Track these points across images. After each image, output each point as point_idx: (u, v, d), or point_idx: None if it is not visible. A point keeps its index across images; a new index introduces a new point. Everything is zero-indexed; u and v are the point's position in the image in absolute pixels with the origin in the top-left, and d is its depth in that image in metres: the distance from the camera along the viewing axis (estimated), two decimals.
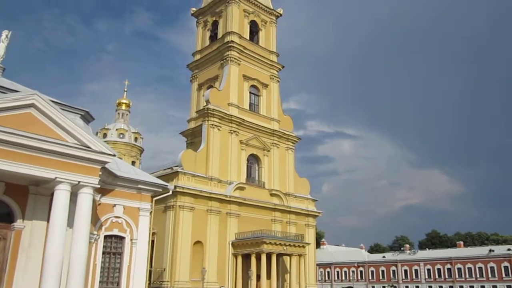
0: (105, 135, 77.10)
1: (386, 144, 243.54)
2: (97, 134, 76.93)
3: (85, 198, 19.40)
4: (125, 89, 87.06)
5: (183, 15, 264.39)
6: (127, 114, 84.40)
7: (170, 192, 27.38)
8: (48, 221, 19.09)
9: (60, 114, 18.63)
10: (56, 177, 18.30)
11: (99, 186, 20.15)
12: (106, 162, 20.04)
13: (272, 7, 62.56)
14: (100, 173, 20.41)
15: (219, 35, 58.14)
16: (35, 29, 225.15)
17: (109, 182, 22.99)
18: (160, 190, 25.79)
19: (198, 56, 60.60)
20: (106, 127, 78.92)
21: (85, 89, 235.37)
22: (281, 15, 63.28)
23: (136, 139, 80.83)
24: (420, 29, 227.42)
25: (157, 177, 33.89)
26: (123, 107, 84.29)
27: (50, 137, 18.18)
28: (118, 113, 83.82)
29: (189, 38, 66.46)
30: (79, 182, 18.98)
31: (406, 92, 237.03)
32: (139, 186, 24.38)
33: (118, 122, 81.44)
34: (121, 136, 78.32)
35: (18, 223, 19.42)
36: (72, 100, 23.42)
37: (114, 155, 20.29)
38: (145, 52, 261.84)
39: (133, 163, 72.81)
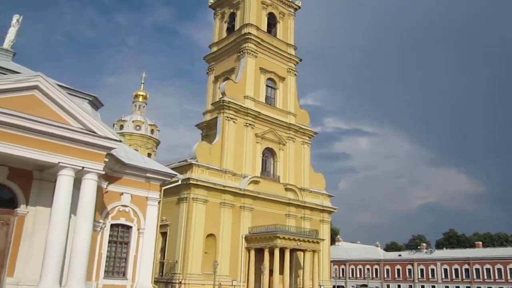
0: (121, 127, 77.22)
1: (404, 142, 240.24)
2: (113, 125, 77.13)
3: (89, 185, 18.87)
4: (142, 81, 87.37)
5: (202, 9, 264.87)
6: (143, 106, 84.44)
7: (179, 182, 26.84)
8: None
9: (65, 97, 18.11)
10: (59, 162, 17.80)
11: (103, 172, 19.59)
12: (111, 148, 19.47)
13: None
14: (106, 159, 19.88)
15: (236, 27, 57.40)
16: (56, 21, 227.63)
17: (116, 170, 22.47)
18: (169, 179, 25.21)
19: (215, 48, 59.98)
20: (122, 119, 79.05)
21: (104, 82, 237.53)
22: (299, 7, 62.22)
23: (152, 131, 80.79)
24: (439, 20, 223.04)
25: (172, 168, 33.48)
26: (140, 99, 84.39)
27: (54, 121, 17.68)
28: (135, 105, 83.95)
29: (208, 32, 66.18)
30: (83, 167, 18.46)
31: (424, 88, 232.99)
32: (148, 174, 23.81)
33: (135, 114, 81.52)
34: (138, 128, 78.35)
35: (22, 209, 19.01)
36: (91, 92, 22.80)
37: (120, 141, 19.72)
38: (164, 46, 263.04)
39: (149, 155, 72.71)
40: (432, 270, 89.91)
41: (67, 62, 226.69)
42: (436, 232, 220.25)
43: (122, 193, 23.05)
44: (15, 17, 25.15)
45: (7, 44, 24.38)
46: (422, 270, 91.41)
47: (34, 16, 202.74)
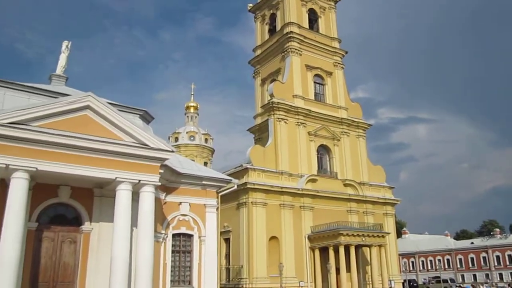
0: (176, 139, 79.00)
1: (463, 126, 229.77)
2: (169, 138, 79.06)
3: (147, 197, 19.24)
4: (192, 93, 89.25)
5: (242, 15, 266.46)
6: (196, 117, 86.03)
7: (235, 186, 26.81)
8: None
9: (116, 113, 18.59)
10: (116, 177, 18.28)
11: (159, 183, 19.93)
12: (165, 159, 19.78)
13: None
14: (161, 171, 20.24)
15: (278, 28, 57.17)
16: (108, 46, 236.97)
17: (172, 180, 22.84)
18: (225, 185, 25.32)
19: (258, 51, 60.02)
20: (177, 131, 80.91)
21: (156, 98, 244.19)
22: None
23: (206, 140, 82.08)
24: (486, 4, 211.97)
25: (228, 175, 33.66)
26: (191, 110, 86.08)
27: (107, 137, 18.18)
28: (187, 117, 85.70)
29: (251, 37, 66.50)
30: (139, 181, 18.85)
31: (480, 68, 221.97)
32: (203, 182, 24.04)
33: (188, 125, 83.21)
34: (192, 138, 79.85)
35: (86, 226, 19.70)
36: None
37: (172, 151, 20.00)
38: (209, 55, 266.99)
39: (205, 164, 73.90)
40: (510, 256, 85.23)
41: (120, 83, 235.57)
42: (508, 216, 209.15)
43: (180, 203, 23.40)
44: (64, 44, 26.29)
45: (59, 70, 25.54)
46: (498, 257, 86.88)
47: (85, 43, 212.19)
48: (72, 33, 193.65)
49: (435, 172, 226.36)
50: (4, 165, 16.15)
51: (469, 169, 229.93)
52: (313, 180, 49.02)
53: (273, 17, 59.27)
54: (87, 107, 18.10)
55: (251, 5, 63.16)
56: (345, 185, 51.78)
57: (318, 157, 51.86)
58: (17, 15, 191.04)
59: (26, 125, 16.60)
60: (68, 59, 25.99)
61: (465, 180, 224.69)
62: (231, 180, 25.59)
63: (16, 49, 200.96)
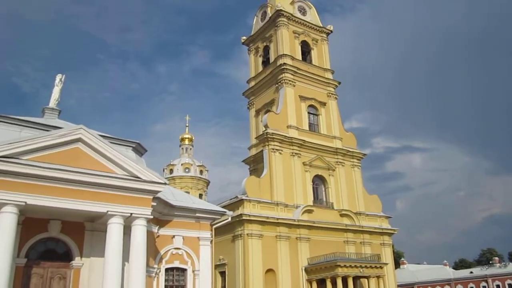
0: (171, 171, 78.67)
1: (458, 154, 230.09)
2: (163, 170, 78.70)
3: (139, 230, 18.90)
4: (187, 124, 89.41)
5: (236, 48, 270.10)
6: (190, 149, 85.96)
7: (229, 218, 26.46)
8: None
9: (107, 146, 18.44)
10: (107, 211, 17.99)
11: (152, 216, 19.63)
12: (157, 192, 19.53)
13: (321, 25, 61.64)
14: (154, 203, 19.97)
15: (271, 59, 57.81)
16: (102, 79, 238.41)
17: (165, 213, 22.52)
18: (219, 217, 24.99)
19: (252, 83, 60.50)
20: (171, 163, 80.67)
21: (151, 130, 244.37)
22: (331, 31, 62.12)
23: (201, 172, 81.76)
24: (489, 33, 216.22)
25: (223, 207, 33.33)
26: (186, 141, 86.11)
27: (99, 170, 17.97)
28: (182, 148, 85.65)
29: (245, 69, 67.16)
30: (131, 214, 18.55)
31: (474, 97, 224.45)
32: (197, 214, 23.73)
33: (183, 157, 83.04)
34: (187, 170, 79.55)
35: (77, 261, 19.24)
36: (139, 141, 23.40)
37: (165, 184, 19.76)
38: (204, 88, 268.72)
39: (200, 196, 73.40)
40: (510, 285, 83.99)
41: (114, 115, 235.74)
42: (506, 244, 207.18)
43: (173, 236, 23.02)
44: (58, 77, 26.38)
45: (52, 102, 25.50)
46: (498, 286, 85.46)
47: (79, 76, 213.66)
48: (66, 66, 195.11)
49: (431, 201, 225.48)
50: None
51: (466, 197, 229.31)
52: (309, 211, 48.58)
53: (266, 49, 60.02)
54: (79, 140, 17.96)
55: (244, 37, 64.03)
56: (342, 215, 51.34)
57: (313, 187, 51.57)
58: (13, 50, 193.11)
59: (17, 158, 16.41)
60: (62, 92, 26.02)
61: (462, 209, 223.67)
62: (225, 212, 25.29)
63: (12, 83, 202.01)
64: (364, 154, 57.52)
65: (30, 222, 18.31)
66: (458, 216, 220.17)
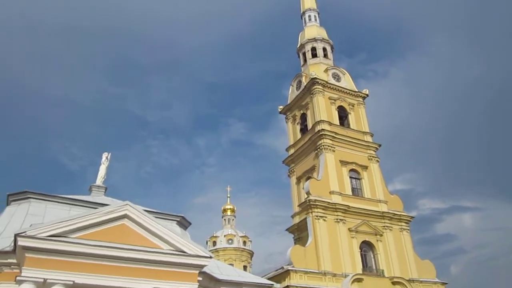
0: (214, 243, 78.00)
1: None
2: (207, 243, 78.10)
3: None
4: (228, 195, 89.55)
5: (274, 117, 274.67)
6: (233, 220, 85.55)
7: None
8: None
9: (153, 221, 18.53)
10: (154, 287, 17.70)
11: None
12: (203, 266, 19.22)
13: (356, 89, 62.18)
14: (200, 278, 19.60)
15: (309, 126, 58.17)
16: (145, 155, 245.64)
17: (211, 287, 21.98)
18: None
19: (292, 151, 60.66)
20: (214, 235, 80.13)
21: (192, 202, 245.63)
22: (367, 95, 62.48)
23: (244, 243, 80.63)
24: None
25: (269, 278, 32.27)
26: (228, 212, 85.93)
27: (145, 246, 17.93)
28: (224, 219, 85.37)
29: (283, 137, 68.05)
30: None
31: None
32: None
33: (226, 228, 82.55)
34: (230, 241, 78.68)
35: None
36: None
37: (210, 257, 19.45)
38: (243, 158, 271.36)
39: (244, 267, 71.85)
40: None
41: (157, 190, 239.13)
42: None
43: None
44: (104, 155, 27.25)
45: (99, 180, 26.24)
46: None
47: (123, 153, 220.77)
48: (111, 145, 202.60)
49: (489, 263, 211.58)
50: (42, 279, 16.00)
51: None
52: (359, 280, 46.36)
53: (303, 117, 60.62)
54: (125, 216, 18.18)
55: (281, 107, 65.14)
56: (393, 283, 48.65)
57: (361, 254, 49.55)
58: (60, 130, 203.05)
59: (65, 237, 16.64)
60: (108, 169, 26.77)
61: None
62: (272, 284, 24.51)
63: (59, 162, 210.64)
64: (412, 217, 55.41)
65: None
66: None
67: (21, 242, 15.86)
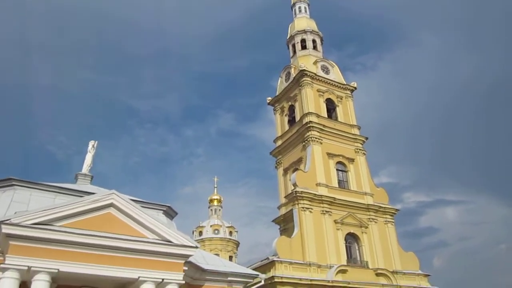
0: (200, 233, 78.17)
1: (496, 205, 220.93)
2: (193, 233, 78.22)
3: None
4: (215, 186, 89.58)
5: (262, 108, 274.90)
6: (219, 210, 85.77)
7: (262, 282, 25.70)
8: None
9: (139, 210, 18.50)
10: (139, 277, 17.75)
11: (183, 282, 19.22)
12: (189, 256, 19.25)
13: (345, 82, 62.38)
14: (186, 268, 19.62)
15: (297, 118, 58.28)
16: (133, 145, 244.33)
17: (197, 277, 22.07)
18: (251, 280, 24.31)
19: (279, 142, 60.78)
20: (201, 225, 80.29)
21: (180, 192, 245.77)
22: (355, 88, 62.74)
23: (231, 233, 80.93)
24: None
25: (254, 269, 32.44)
26: (215, 203, 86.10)
27: (131, 235, 17.91)
28: (211, 210, 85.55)
29: (270, 129, 67.92)
30: (163, 279, 18.26)
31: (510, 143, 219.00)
32: (229, 278, 23.16)
33: (212, 219, 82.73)
34: (216, 231, 78.94)
35: None
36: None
37: (196, 247, 19.49)
38: (231, 149, 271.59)
39: (230, 258, 72.22)
40: None
41: (144, 179, 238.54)
42: None
43: None
44: (91, 143, 27.05)
45: (85, 168, 26.05)
46: None
47: (110, 142, 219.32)
48: (98, 134, 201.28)
49: (471, 256, 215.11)
50: (26, 267, 15.90)
51: (508, 250, 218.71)
52: (343, 271, 46.84)
53: (291, 109, 60.70)
54: (111, 205, 18.11)
55: (270, 98, 65.12)
56: (377, 274, 49.26)
57: (346, 246, 50.02)
58: (49, 119, 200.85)
59: (50, 225, 16.55)
60: (94, 158, 26.59)
61: (504, 263, 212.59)
62: (257, 275, 24.65)
63: (47, 150, 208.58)
64: (397, 210, 56.01)
65: None
66: (501, 272, 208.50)
67: (5, 229, 15.74)
